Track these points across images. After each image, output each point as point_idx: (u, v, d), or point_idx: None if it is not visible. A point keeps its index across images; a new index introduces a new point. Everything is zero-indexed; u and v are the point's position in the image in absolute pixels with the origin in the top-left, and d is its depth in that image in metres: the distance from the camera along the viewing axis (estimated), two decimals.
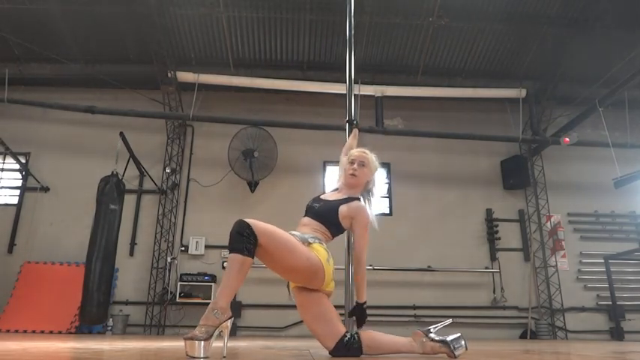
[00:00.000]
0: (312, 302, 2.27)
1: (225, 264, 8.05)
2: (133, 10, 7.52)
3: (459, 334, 2.18)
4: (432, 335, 2.16)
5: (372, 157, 2.54)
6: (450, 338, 2.13)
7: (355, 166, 2.45)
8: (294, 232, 2.26)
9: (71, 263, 7.62)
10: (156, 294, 7.76)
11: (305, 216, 2.45)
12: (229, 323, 1.93)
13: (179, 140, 8.74)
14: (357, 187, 2.48)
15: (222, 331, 1.93)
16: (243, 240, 1.93)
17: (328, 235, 2.37)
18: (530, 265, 8.41)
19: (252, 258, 1.96)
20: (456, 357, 2.09)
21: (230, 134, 8.10)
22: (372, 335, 2.19)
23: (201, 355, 1.82)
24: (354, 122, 3.06)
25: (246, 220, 1.99)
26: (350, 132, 3.04)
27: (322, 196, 2.54)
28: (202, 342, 1.82)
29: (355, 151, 2.54)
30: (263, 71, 8.63)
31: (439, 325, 2.24)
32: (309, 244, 2.20)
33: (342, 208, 2.34)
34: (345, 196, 2.43)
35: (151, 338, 5.66)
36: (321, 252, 2.21)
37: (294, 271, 2.17)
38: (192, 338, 1.83)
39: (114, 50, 8.40)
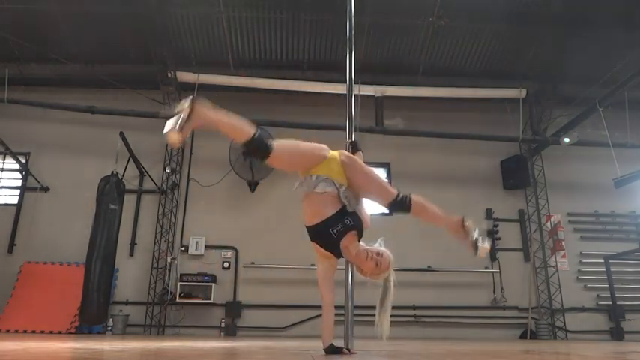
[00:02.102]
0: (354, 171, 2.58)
1: (225, 263, 8.09)
2: (133, 10, 7.51)
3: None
4: (467, 224, 2.72)
5: (390, 274, 2.71)
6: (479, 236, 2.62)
7: (378, 259, 2.59)
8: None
9: (71, 263, 7.62)
10: (156, 294, 7.76)
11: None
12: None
13: None
14: (358, 264, 2.61)
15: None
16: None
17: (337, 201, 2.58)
18: (530, 265, 8.41)
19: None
20: (476, 249, 2.58)
21: None
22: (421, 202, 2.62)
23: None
24: (359, 148, 3.05)
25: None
26: (353, 153, 2.98)
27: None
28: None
29: (390, 261, 2.70)
30: (263, 71, 8.62)
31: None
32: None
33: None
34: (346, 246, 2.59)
35: (151, 338, 5.66)
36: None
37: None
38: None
39: (114, 50, 8.39)
